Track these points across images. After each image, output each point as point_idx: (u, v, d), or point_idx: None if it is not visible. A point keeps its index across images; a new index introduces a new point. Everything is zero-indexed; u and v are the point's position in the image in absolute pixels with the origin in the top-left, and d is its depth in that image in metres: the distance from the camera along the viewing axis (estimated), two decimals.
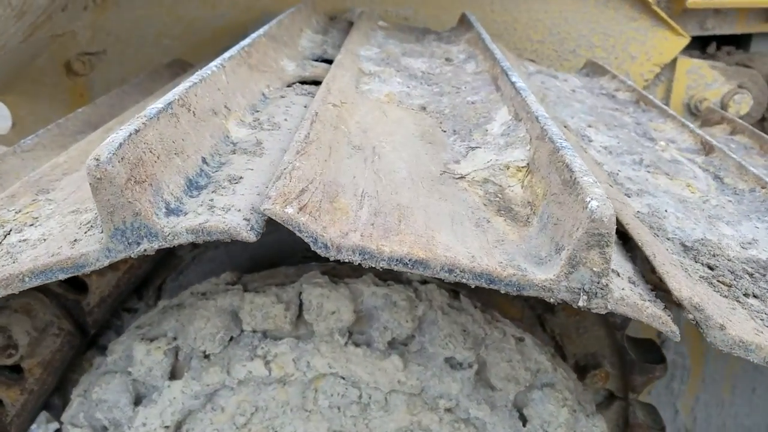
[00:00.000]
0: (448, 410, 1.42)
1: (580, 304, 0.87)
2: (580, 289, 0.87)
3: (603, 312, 0.88)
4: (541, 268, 0.90)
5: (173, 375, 1.39)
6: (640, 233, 1.14)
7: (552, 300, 0.88)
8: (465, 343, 1.36)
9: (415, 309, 1.36)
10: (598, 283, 0.86)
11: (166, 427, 1.38)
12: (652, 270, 1.02)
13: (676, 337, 0.91)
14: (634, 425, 1.82)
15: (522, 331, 1.43)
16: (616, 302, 0.89)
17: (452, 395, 1.37)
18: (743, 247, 1.21)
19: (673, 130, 1.84)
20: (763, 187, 1.49)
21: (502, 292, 0.89)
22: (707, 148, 1.69)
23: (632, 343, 1.84)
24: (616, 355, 1.78)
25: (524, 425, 1.42)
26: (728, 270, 1.11)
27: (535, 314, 1.77)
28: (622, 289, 0.92)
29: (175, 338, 1.38)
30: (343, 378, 1.39)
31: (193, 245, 1.70)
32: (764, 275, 1.13)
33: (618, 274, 0.96)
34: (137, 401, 1.40)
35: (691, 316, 0.92)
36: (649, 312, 0.90)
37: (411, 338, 1.40)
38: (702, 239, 1.23)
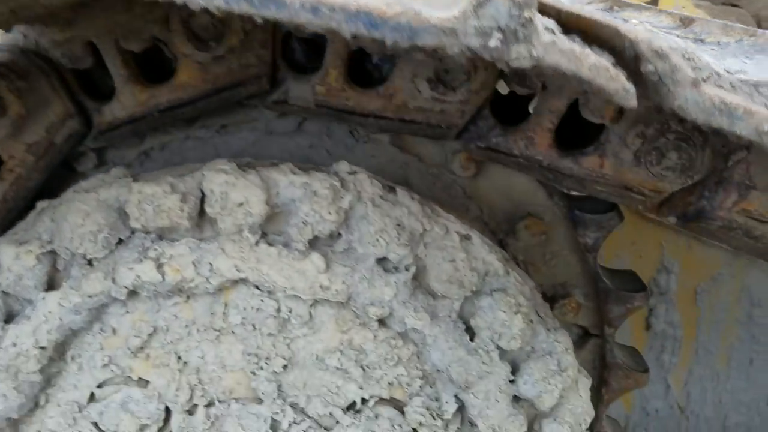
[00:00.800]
0: (383, 324, 1.20)
1: (492, 45, 0.64)
2: (493, 28, 0.64)
3: (527, 64, 0.65)
4: (442, 8, 0.67)
5: (51, 286, 1.17)
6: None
7: (457, 54, 0.65)
8: (399, 239, 1.14)
9: (340, 200, 1.13)
10: (519, 17, 0.63)
11: (42, 347, 1.15)
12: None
13: (630, 98, 0.69)
14: (612, 365, 1.58)
15: (468, 228, 1.21)
16: (546, 47, 0.66)
17: (384, 301, 1.15)
18: (730, 72, 1.00)
19: (651, 17, 1.64)
20: (751, 35, 1.29)
21: (389, 43, 0.66)
22: (686, 22, 1.50)
23: (608, 273, 1.61)
24: (589, 285, 1.55)
25: (472, 340, 1.19)
26: (713, 72, 0.88)
27: (496, 239, 1.55)
28: (552, 32, 0.69)
29: (50, 241, 1.16)
30: (258, 288, 1.16)
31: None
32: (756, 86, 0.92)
33: (545, 27, 0.71)
34: (8, 318, 1.17)
35: (651, 68, 0.69)
36: (592, 62, 0.68)
37: (336, 237, 1.17)
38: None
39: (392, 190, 1.20)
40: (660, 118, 1.19)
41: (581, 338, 1.64)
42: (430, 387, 1.24)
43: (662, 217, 1.37)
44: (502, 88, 1.49)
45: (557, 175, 1.31)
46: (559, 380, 1.19)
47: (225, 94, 1.27)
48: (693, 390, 3.13)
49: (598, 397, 1.63)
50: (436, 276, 1.16)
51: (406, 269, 1.16)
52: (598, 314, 1.57)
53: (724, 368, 3.08)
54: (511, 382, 1.22)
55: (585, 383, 1.27)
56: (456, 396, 1.23)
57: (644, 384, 1.59)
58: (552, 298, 1.56)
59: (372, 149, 1.46)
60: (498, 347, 1.19)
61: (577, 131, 1.30)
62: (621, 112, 1.23)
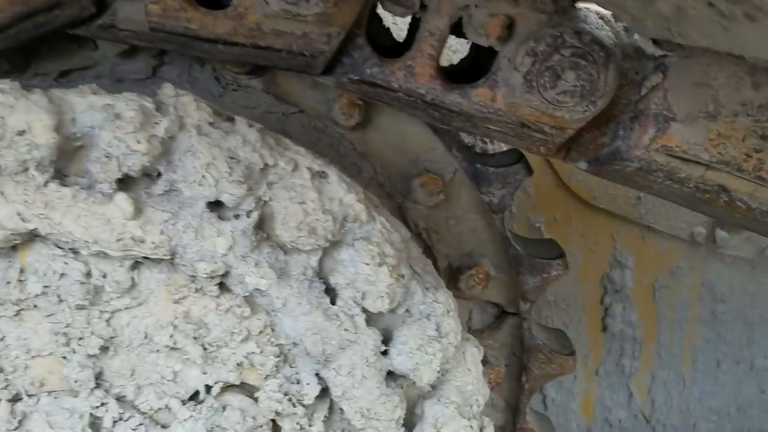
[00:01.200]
0: (226, 290, 0.97)
1: None
2: None
3: None
4: None
5: None
6: None
7: None
8: (232, 175, 0.92)
9: (154, 126, 0.91)
10: None
11: None
12: None
13: None
14: (532, 348, 1.36)
15: (324, 163, 0.99)
16: None
17: (217, 255, 0.93)
18: None
19: None
20: None
21: None
22: None
23: (521, 239, 1.40)
24: (500, 254, 1.34)
25: (334, 303, 0.97)
26: None
27: (394, 203, 1.34)
28: None
29: None
30: (58, 246, 0.93)
31: None
32: None
33: None
34: None
35: None
36: None
37: (156, 177, 0.95)
38: None
39: (230, 119, 0.99)
40: (553, 32, 1.00)
41: (497, 318, 1.42)
42: (290, 366, 1.01)
43: (572, 162, 1.16)
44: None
45: (444, 113, 1.10)
46: (439, 348, 0.97)
47: (40, 19, 1.05)
48: (658, 397, 2.89)
49: (518, 386, 1.41)
50: (283, 222, 0.94)
51: (247, 216, 0.94)
52: (513, 289, 1.36)
53: (689, 372, 2.86)
54: (384, 354, 0.99)
55: (474, 354, 1.05)
56: (318, 375, 1.00)
57: (570, 370, 1.37)
58: (458, 269, 1.35)
59: (243, 98, 1.25)
60: (363, 310, 0.96)
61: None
62: (510, 27, 1.04)
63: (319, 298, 0.96)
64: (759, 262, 2.65)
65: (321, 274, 0.97)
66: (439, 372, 0.99)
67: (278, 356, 1.00)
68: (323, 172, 0.97)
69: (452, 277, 1.35)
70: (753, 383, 2.94)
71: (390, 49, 1.14)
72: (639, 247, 2.67)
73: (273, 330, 0.99)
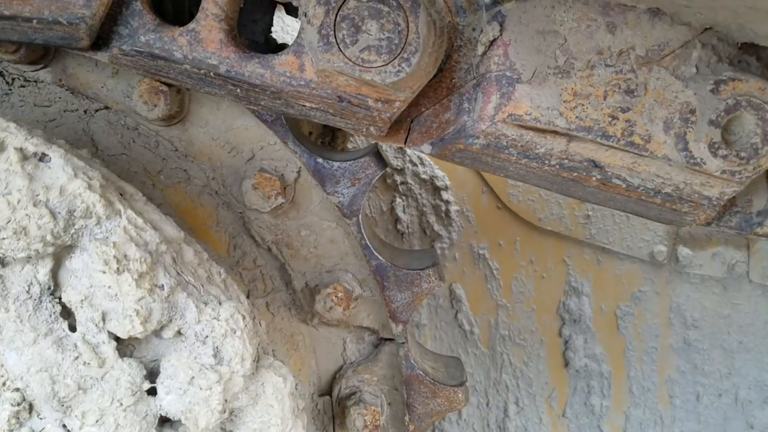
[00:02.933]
0: None
1: None
2: None
3: None
4: None
5: None
6: None
7: None
8: None
9: None
10: None
11: None
12: None
13: None
14: (412, 379, 1.12)
15: (45, 143, 0.77)
16: None
17: None
18: None
19: None
20: None
21: None
22: None
23: (387, 248, 1.17)
24: (367, 269, 1.12)
25: (74, 328, 0.75)
26: None
27: (235, 215, 1.12)
28: None
29: None
30: None
31: None
32: None
33: None
34: None
35: None
36: None
37: None
38: None
39: None
40: None
41: (376, 347, 1.19)
42: (39, 417, 0.77)
43: (414, 146, 0.95)
44: None
45: (246, 88, 0.90)
46: (216, 380, 0.73)
47: None
48: None
49: (401, 429, 1.15)
50: None
51: None
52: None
53: (667, 409, 2.57)
54: (151, 393, 0.76)
55: (278, 386, 0.80)
56: (65, 426, 0.76)
57: (460, 404, 1.12)
58: (316, 289, 1.12)
59: (33, 95, 1.05)
60: (113, 336, 0.73)
61: None
62: None
63: (51, 323, 0.73)
64: (729, 281, 2.39)
65: (56, 290, 0.75)
66: (222, 412, 0.75)
67: (18, 404, 0.76)
68: (43, 154, 0.75)
69: (311, 298, 1.12)
70: (740, 418, 2.64)
71: None
72: (594, 271, 2.43)
73: (4, 368, 0.76)
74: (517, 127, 0.86)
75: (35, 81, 1.04)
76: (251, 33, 1.17)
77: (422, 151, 0.94)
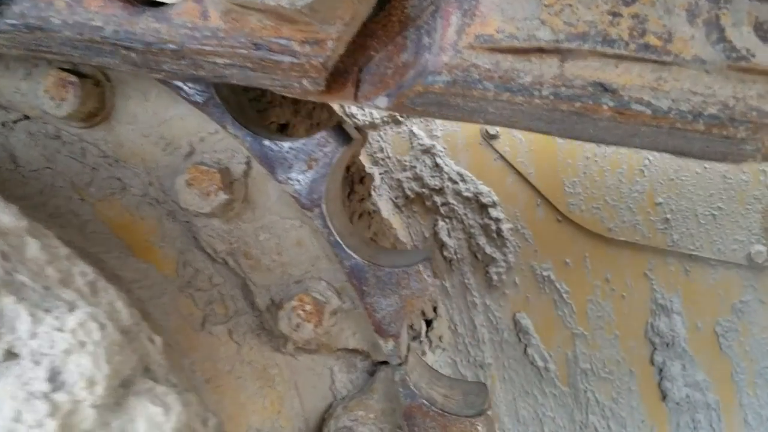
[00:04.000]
0: None
1: None
2: None
3: None
4: None
5: None
6: None
7: None
8: None
9: None
10: None
11: None
12: None
13: None
14: (412, 411, 0.86)
15: None
16: None
17: None
18: None
19: None
20: None
21: None
22: None
23: (372, 249, 0.94)
24: (343, 276, 0.89)
25: None
26: None
27: (180, 224, 0.94)
28: None
29: None
30: None
31: None
32: None
33: None
34: None
35: None
36: None
37: None
38: None
39: None
40: None
41: (372, 375, 0.95)
42: None
43: (367, 101, 0.73)
44: None
45: (143, 52, 0.72)
46: (46, 413, 0.52)
47: None
48: None
49: None
50: None
51: None
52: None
53: None
54: None
55: (154, 419, 0.58)
56: None
57: None
58: (279, 306, 0.90)
59: None
60: None
61: None
62: None
63: None
64: None
65: None
66: None
67: None
68: None
69: (276, 318, 0.90)
70: None
71: None
72: (683, 284, 2.06)
73: None
74: (490, 52, 0.63)
75: None
76: None
77: (377, 106, 0.72)
